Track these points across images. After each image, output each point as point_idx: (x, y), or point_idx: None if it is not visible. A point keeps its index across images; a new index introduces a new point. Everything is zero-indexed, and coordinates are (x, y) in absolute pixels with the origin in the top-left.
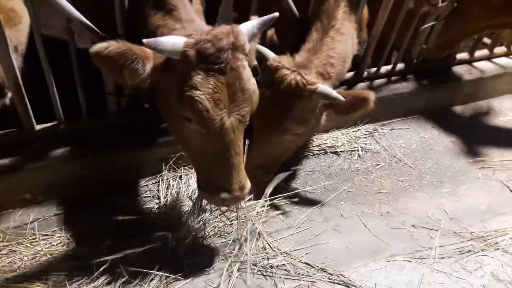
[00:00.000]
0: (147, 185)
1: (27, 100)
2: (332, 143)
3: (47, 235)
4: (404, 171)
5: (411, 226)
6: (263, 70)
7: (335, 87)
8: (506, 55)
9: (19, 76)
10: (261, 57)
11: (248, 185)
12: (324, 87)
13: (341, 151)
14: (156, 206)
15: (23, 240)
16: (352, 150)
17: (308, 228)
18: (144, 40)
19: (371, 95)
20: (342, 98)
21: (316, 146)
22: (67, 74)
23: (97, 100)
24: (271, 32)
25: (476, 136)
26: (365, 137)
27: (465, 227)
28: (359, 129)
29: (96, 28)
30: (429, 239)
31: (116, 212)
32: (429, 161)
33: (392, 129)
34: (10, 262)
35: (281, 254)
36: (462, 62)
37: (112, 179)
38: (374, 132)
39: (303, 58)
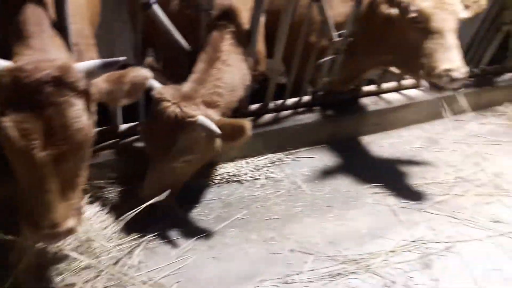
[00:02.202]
0: None
1: None
2: (236, 172)
3: None
4: (301, 197)
5: (289, 251)
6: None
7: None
8: (414, 86)
9: None
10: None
11: (67, 224)
12: (203, 119)
13: (244, 180)
14: None
15: None
16: (255, 179)
17: (189, 257)
18: None
19: (247, 124)
20: (218, 131)
21: (219, 175)
22: None
23: None
24: (150, 59)
25: (379, 163)
26: (270, 166)
27: (340, 250)
28: (264, 158)
29: None
30: (303, 263)
31: None
32: (326, 187)
33: (298, 157)
34: None
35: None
36: (370, 93)
37: None
38: (280, 161)
39: (189, 88)
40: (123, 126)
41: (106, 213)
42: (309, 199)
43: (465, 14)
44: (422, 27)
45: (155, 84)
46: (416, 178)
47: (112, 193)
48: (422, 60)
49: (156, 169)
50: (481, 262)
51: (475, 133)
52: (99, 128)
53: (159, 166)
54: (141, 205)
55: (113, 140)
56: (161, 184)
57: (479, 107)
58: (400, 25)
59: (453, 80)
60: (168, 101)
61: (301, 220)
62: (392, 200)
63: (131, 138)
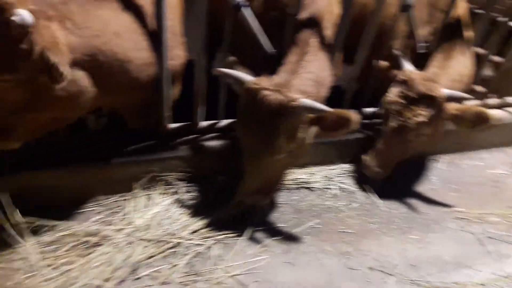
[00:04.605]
0: None
1: None
2: (307, 179)
3: None
4: (376, 213)
5: (368, 268)
6: (241, 95)
7: None
8: (499, 106)
9: None
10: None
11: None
12: (307, 100)
13: (315, 188)
14: None
15: None
16: (326, 188)
17: (265, 258)
18: None
19: (354, 117)
20: (327, 108)
21: (290, 180)
22: None
23: None
24: (233, 58)
25: (459, 185)
26: (343, 177)
27: (423, 275)
28: (337, 168)
29: None
30: (383, 283)
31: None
32: (403, 205)
33: None
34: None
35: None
36: None
37: None
38: (354, 173)
39: (282, 78)
40: (203, 123)
41: (187, 206)
42: (385, 217)
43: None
44: None
45: (245, 77)
46: (502, 206)
47: (190, 187)
48: None
49: (255, 167)
50: None
51: None
52: (179, 124)
53: (258, 163)
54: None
55: (192, 136)
56: (260, 183)
57: None
58: None
59: None
60: (267, 89)
61: (379, 237)
62: (477, 228)
63: (209, 135)
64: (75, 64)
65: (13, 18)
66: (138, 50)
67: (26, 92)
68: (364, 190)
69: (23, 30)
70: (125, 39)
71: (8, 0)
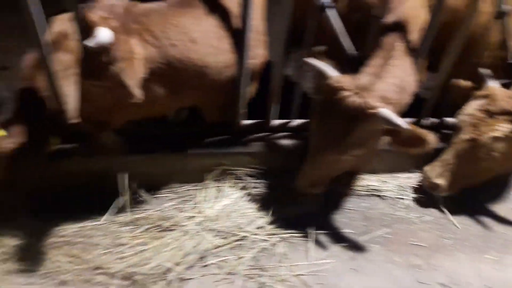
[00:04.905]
0: None
1: None
2: (379, 186)
3: None
4: (449, 228)
5: (439, 284)
6: (321, 88)
7: None
8: None
9: None
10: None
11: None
12: (386, 111)
13: (386, 196)
14: None
15: None
16: (398, 197)
17: (330, 262)
18: None
19: (431, 139)
20: (405, 124)
21: (360, 186)
22: None
23: None
24: (319, 48)
25: None
26: (417, 187)
27: None
28: (412, 177)
29: None
30: None
31: None
32: (479, 223)
33: None
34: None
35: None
36: None
37: None
38: None
39: (366, 80)
40: (275, 122)
41: (254, 202)
42: (460, 233)
43: None
44: None
45: (331, 72)
46: None
47: (259, 183)
48: None
49: (318, 160)
50: None
51: None
52: (252, 121)
53: (322, 158)
54: (291, 200)
55: (264, 134)
56: (317, 176)
57: None
58: None
59: None
60: (348, 90)
61: (452, 253)
62: None
63: (281, 134)
64: (152, 73)
65: (88, 43)
66: (218, 54)
67: (112, 97)
68: (438, 204)
69: (101, 47)
70: (203, 45)
71: (92, 19)
